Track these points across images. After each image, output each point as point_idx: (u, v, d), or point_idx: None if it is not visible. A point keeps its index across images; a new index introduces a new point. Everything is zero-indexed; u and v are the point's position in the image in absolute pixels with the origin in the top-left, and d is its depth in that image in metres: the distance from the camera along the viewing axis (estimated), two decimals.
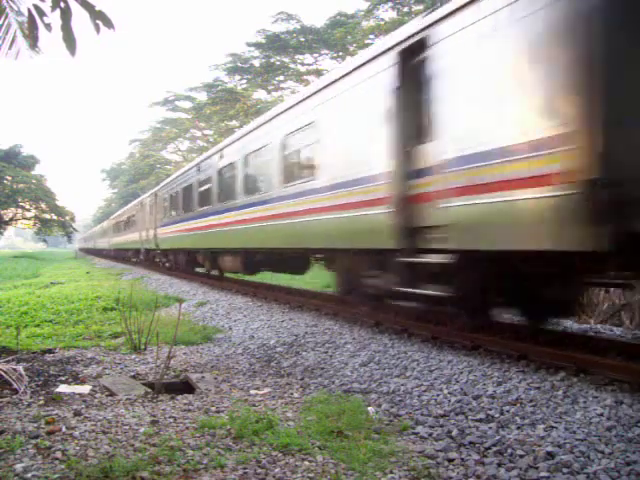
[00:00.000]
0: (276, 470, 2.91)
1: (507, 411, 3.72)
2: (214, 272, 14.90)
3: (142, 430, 3.43)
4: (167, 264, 19.72)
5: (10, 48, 4.09)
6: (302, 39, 28.86)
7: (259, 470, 2.91)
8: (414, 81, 5.62)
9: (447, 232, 5.00)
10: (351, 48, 27.49)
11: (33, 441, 3.16)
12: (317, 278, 13.98)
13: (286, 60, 31.01)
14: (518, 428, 3.45)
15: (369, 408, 4.06)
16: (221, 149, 12.51)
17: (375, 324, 6.99)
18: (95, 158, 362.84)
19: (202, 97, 37.52)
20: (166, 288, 14.42)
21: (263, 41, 29.69)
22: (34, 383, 4.66)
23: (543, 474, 2.85)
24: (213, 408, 4.04)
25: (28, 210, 48.30)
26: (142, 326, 6.31)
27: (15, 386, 4.38)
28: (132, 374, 5.17)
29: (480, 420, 3.67)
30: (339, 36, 26.68)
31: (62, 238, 55.49)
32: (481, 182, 4.59)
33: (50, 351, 6.03)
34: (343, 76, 6.92)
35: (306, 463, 3.02)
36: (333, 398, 4.28)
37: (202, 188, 13.83)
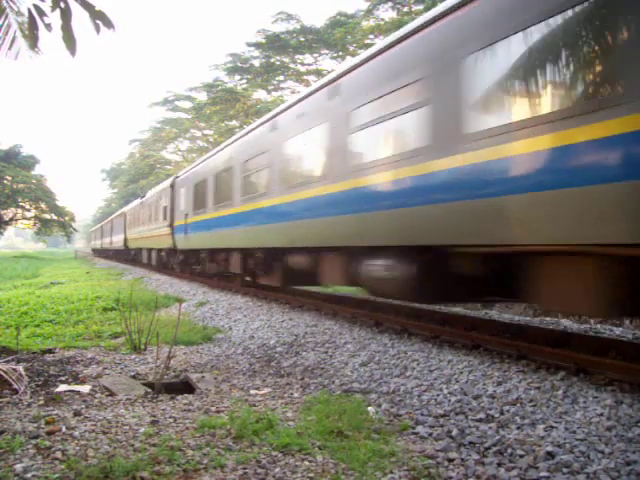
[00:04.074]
0: (276, 470, 2.91)
1: (507, 411, 3.72)
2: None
3: (142, 430, 3.43)
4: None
5: (10, 48, 4.08)
6: (302, 39, 28.92)
7: (259, 470, 2.90)
8: None
9: None
10: (351, 48, 27.53)
11: (33, 441, 3.16)
12: None
13: (286, 60, 31.09)
14: (518, 428, 3.45)
15: (369, 408, 4.06)
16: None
17: (375, 324, 6.98)
18: (95, 158, 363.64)
19: (202, 97, 37.62)
20: (166, 288, 14.42)
21: (263, 41, 29.77)
22: (34, 383, 4.65)
23: (543, 474, 2.85)
24: (213, 408, 4.04)
25: (28, 210, 48.33)
26: (142, 326, 6.31)
27: (15, 386, 4.37)
28: (132, 374, 5.16)
29: (480, 420, 3.66)
30: (339, 36, 26.73)
31: (62, 238, 55.51)
32: None
33: (50, 351, 6.03)
34: None
35: (306, 463, 3.02)
36: (333, 398, 4.28)
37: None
